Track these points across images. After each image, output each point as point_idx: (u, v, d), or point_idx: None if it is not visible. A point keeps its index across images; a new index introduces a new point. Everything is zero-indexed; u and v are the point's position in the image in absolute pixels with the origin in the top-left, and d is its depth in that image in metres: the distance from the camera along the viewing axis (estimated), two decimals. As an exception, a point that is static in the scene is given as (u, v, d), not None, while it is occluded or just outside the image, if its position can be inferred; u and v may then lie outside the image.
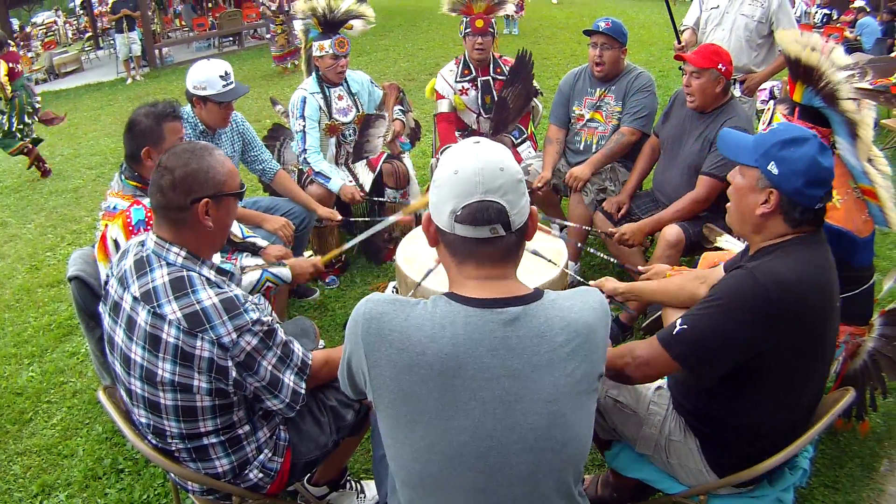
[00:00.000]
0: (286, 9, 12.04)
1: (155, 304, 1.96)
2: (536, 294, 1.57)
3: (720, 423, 2.18)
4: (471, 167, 1.50)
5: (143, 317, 1.97)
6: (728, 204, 2.21)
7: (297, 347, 2.17)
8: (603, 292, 2.75)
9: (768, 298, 1.89)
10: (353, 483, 2.95)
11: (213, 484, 2.20)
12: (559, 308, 1.55)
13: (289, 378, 2.11)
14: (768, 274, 1.92)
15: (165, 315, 1.94)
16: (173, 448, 2.12)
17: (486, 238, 1.53)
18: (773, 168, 1.98)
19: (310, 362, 2.19)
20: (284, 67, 12.98)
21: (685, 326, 1.99)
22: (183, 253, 2.03)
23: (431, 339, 1.48)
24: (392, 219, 3.46)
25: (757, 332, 1.92)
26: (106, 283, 2.18)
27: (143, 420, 2.10)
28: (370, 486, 2.94)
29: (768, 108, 3.03)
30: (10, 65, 8.05)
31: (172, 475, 2.35)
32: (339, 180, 4.52)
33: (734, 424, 2.14)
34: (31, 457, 3.51)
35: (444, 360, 1.46)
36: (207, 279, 2.02)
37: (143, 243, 2.09)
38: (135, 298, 2.00)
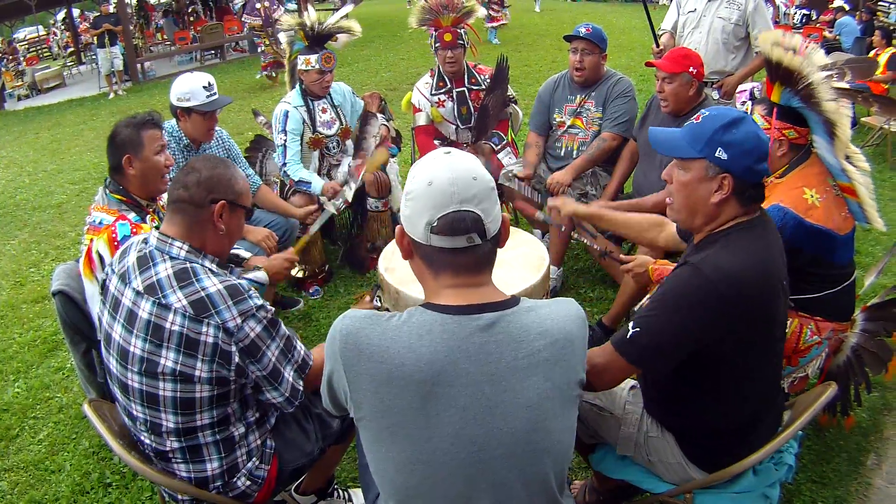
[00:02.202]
0: (272, 20, 11.95)
1: (160, 294, 2.01)
2: (513, 301, 1.58)
3: (689, 419, 2.20)
4: (445, 178, 1.52)
5: (146, 309, 2.01)
6: (668, 201, 2.19)
7: (299, 344, 2.21)
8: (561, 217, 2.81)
9: (717, 291, 1.90)
10: (340, 491, 2.94)
11: (201, 495, 2.20)
12: (536, 315, 1.56)
13: (289, 373, 2.14)
14: (714, 268, 1.93)
15: (171, 304, 1.99)
16: (168, 447, 2.12)
17: (463, 247, 1.54)
18: (721, 154, 1.97)
19: (310, 362, 2.21)
20: (270, 76, 12.84)
21: (638, 329, 1.98)
22: (186, 247, 2.10)
23: (409, 350, 1.48)
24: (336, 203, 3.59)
25: (710, 326, 1.94)
26: (104, 282, 2.21)
27: (140, 416, 2.11)
28: (357, 495, 2.93)
29: (746, 109, 3.06)
30: None
31: (162, 487, 2.34)
32: (319, 182, 4.53)
33: (702, 417, 2.16)
34: (19, 473, 3.49)
35: (423, 369, 1.47)
36: (210, 269, 2.09)
37: (145, 241, 2.15)
38: (137, 293, 2.04)
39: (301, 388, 2.18)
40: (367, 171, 3.30)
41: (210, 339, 1.98)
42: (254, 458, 2.26)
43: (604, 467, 2.49)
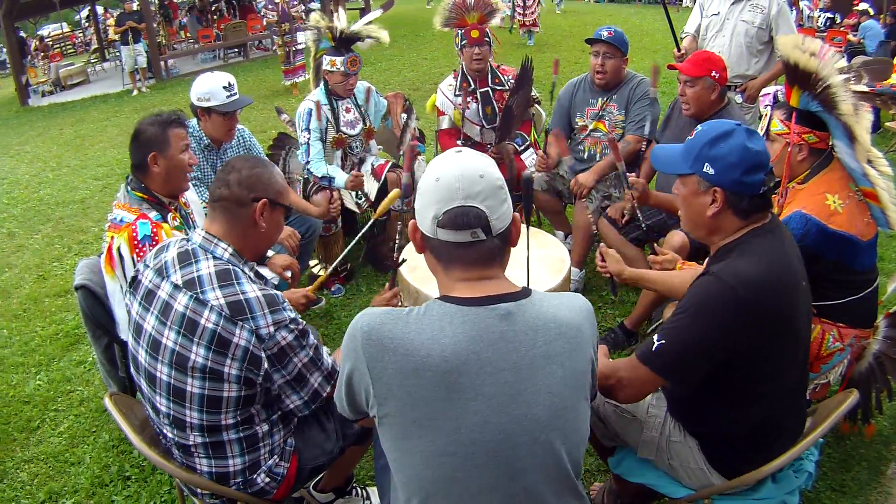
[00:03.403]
0: (289, 17, 11.75)
1: (198, 290, 2.04)
2: (526, 291, 1.62)
3: (713, 424, 2.19)
4: (451, 174, 1.57)
5: (182, 302, 2.04)
6: (679, 213, 2.24)
7: (327, 354, 2.23)
8: (604, 266, 2.78)
9: (738, 298, 1.90)
10: (358, 490, 2.95)
11: (220, 491, 2.21)
12: (549, 305, 1.60)
13: (315, 379, 2.17)
14: (733, 275, 1.94)
15: (208, 301, 2.02)
16: (191, 442, 2.14)
17: (468, 242, 1.58)
18: (708, 169, 2.02)
19: (338, 370, 2.20)
20: (294, 84, 12.42)
21: (663, 341, 2.00)
22: (230, 249, 2.14)
23: (433, 341, 1.50)
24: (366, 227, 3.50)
25: (733, 333, 1.94)
26: (135, 276, 2.23)
27: (164, 409, 2.13)
28: (375, 493, 2.93)
29: (766, 114, 3.04)
30: None
31: (179, 481, 2.36)
32: (342, 176, 4.54)
33: (726, 423, 2.15)
34: (38, 464, 3.52)
35: (449, 359, 1.49)
36: (250, 276, 2.14)
37: (188, 238, 2.19)
38: (175, 286, 2.08)
39: (324, 394, 2.20)
40: (382, 209, 3.31)
41: (242, 342, 2.00)
42: (275, 456, 2.27)
43: (622, 470, 2.48)
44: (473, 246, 1.58)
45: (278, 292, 2.11)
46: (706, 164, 2.02)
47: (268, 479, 2.25)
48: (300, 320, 2.12)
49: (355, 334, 1.58)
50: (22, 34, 21.67)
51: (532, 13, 15.28)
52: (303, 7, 11.95)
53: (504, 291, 1.59)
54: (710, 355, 1.98)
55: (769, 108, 4.86)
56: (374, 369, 1.54)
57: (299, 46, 11.91)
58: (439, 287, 1.68)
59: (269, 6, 12.03)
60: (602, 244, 2.85)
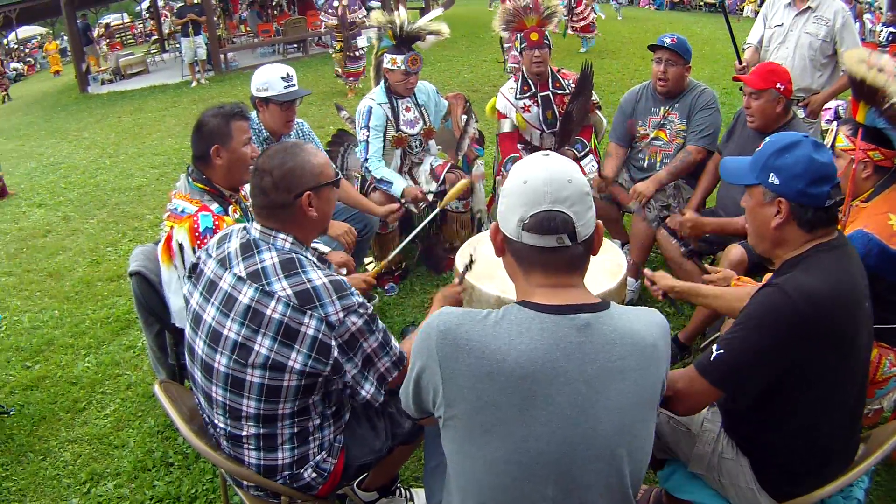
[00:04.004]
0: (348, 21, 11.56)
1: (264, 282, 2.03)
2: (604, 304, 1.59)
3: (767, 444, 2.15)
4: (539, 178, 1.55)
5: (248, 294, 2.03)
6: (747, 227, 2.22)
7: (394, 340, 2.21)
8: (655, 289, 2.75)
9: (798, 311, 1.88)
10: (402, 490, 2.93)
11: (267, 485, 2.21)
12: (627, 319, 1.57)
13: (383, 364, 2.15)
14: (796, 287, 1.91)
15: (275, 292, 2.01)
16: (244, 432, 2.14)
17: (553, 247, 1.55)
18: (773, 179, 2.01)
19: (406, 356, 2.21)
20: (350, 87, 12.21)
21: (721, 351, 1.98)
22: (290, 239, 2.13)
23: (510, 346, 1.48)
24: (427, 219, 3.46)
25: (791, 347, 1.91)
26: (195, 265, 2.24)
27: (220, 399, 2.12)
28: (419, 495, 2.92)
29: (831, 129, 2.96)
30: None
31: (224, 472, 2.35)
32: (401, 183, 4.50)
33: (780, 443, 2.11)
34: (82, 445, 3.57)
35: (524, 365, 1.47)
36: (314, 262, 2.12)
37: (246, 229, 2.18)
38: (239, 278, 2.07)
39: (389, 378, 2.18)
40: (450, 198, 3.27)
41: (311, 332, 1.98)
42: (323, 451, 2.26)
43: (671, 485, 2.45)
44: (557, 252, 1.56)
45: (344, 278, 2.10)
46: (771, 174, 2.01)
47: (314, 475, 2.24)
48: (368, 304, 2.10)
49: (431, 333, 1.56)
50: (87, 21, 22.20)
51: (583, 18, 14.90)
52: (363, 11, 11.76)
53: (584, 302, 1.57)
54: (767, 368, 1.95)
55: (832, 123, 4.75)
56: (447, 370, 1.52)
57: (357, 52, 11.79)
58: (517, 291, 1.66)
59: (329, 10, 11.82)
60: (646, 270, 2.80)
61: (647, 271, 2.79)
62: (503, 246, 1.65)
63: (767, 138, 2.11)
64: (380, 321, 2.14)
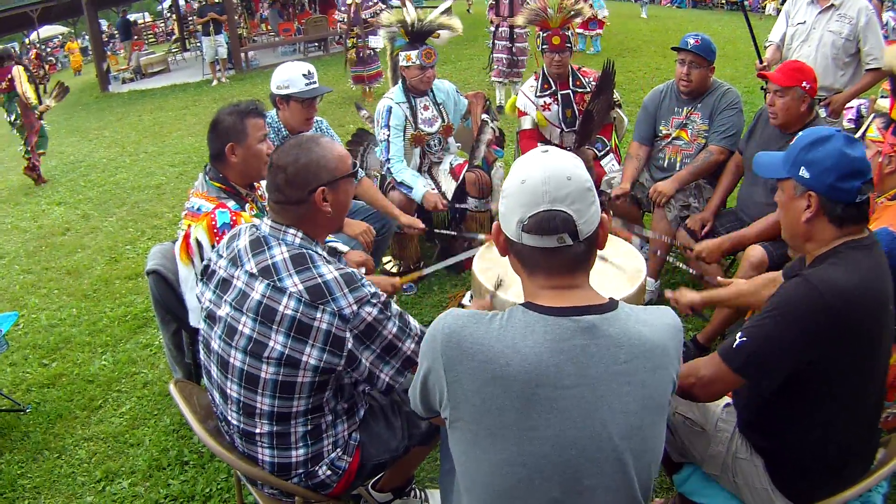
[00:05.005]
0: (361, 19, 11.13)
1: (275, 278, 2.02)
2: (612, 304, 1.55)
3: (782, 444, 2.13)
4: (537, 177, 1.51)
5: (259, 290, 2.03)
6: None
7: (412, 319, 2.19)
8: (680, 307, 2.73)
9: (824, 303, 1.87)
10: (417, 491, 2.91)
11: (279, 484, 2.19)
12: (635, 321, 1.53)
13: (408, 346, 2.13)
14: (824, 280, 1.91)
15: (286, 288, 2.00)
16: (257, 430, 2.12)
17: (554, 248, 1.52)
18: (804, 172, 2.00)
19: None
20: (364, 90, 11.74)
21: (745, 339, 1.97)
22: (300, 234, 2.11)
23: (514, 350, 1.46)
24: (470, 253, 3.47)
25: (814, 338, 1.90)
26: (207, 265, 2.23)
27: (234, 395, 2.11)
28: (435, 496, 2.90)
29: (867, 121, 2.92)
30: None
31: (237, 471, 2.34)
32: (421, 188, 4.48)
33: (796, 444, 2.10)
34: (98, 443, 3.57)
35: (528, 369, 1.44)
36: (324, 257, 2.11)
37: (256, 226, 2.17)
38: (251, 275, 2.06)
39: (417, 360, 2.14)
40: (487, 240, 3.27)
41: (324, 326, 1.97)
42: (338, 449, 2.24)
43: (687, 489, 2.43)
44: (559, 252, 1.52)
45: (354, 269, 2.08)
46: (802, 167, 2.00)
47: (329, 472, 2.22)
48: (380, 293, 2.08)
49: (436, 335, 1.54)
50: (129, 17, 22.32)
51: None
52: (381, 6, 11.41)
53: (589, 303, 1.53)
54: (790, 357, 1.94)
55: (854, 122, 4.68)
56: (451, 373, 1.50)
57: (369, 52, 11.29)
58: (524, 292, 1.63)
59: (343, 7, 11.47)
60: (668, 292, 2.80)
61: (668, 293, 2.78)
62: (506, 246, 1.63)
63: (800, 133, 2.09)
64: (394, 305, 2.12)
